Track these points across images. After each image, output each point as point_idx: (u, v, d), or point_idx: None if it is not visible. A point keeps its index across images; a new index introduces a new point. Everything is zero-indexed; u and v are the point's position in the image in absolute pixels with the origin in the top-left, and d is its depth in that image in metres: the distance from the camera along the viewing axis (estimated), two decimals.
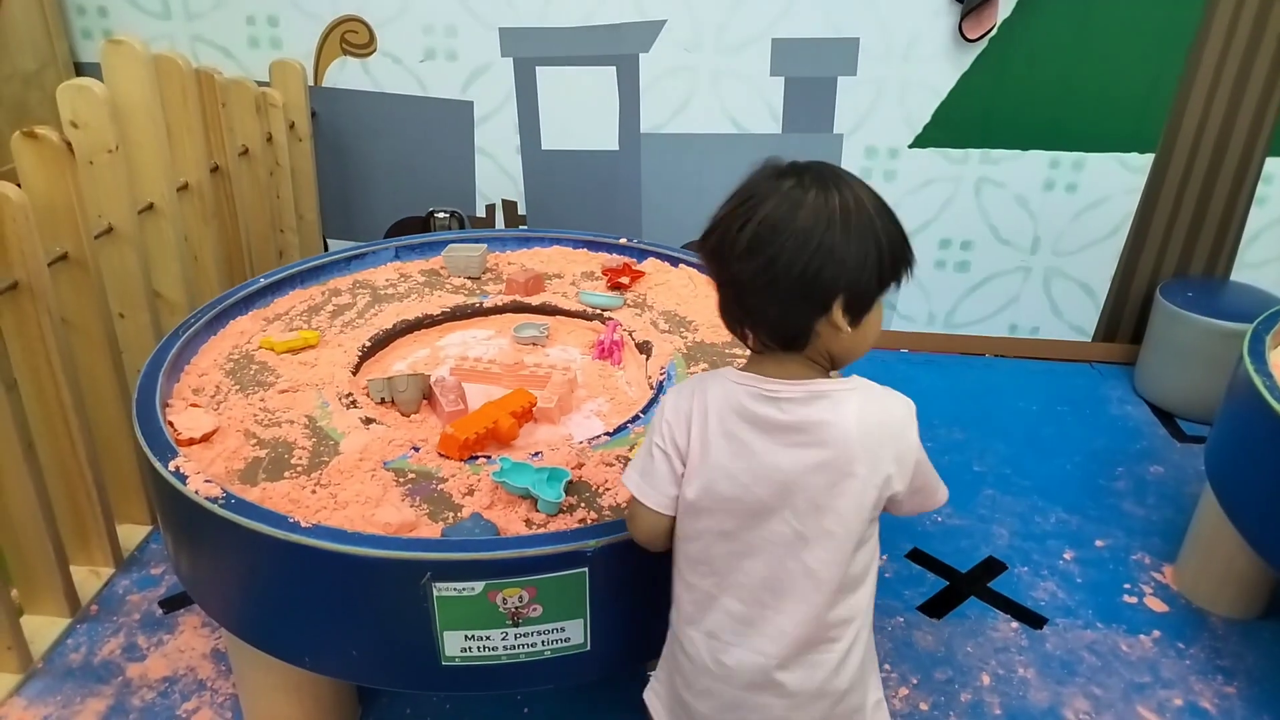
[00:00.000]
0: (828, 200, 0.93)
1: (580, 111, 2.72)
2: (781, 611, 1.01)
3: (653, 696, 1.18)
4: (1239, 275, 2.76)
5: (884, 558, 2.08)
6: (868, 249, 0.93)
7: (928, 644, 1.85)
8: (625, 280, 2.03)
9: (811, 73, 2.61)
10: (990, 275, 2.85)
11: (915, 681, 1.76)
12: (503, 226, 2.88)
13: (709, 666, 1.05)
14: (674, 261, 2.13)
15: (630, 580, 1.28)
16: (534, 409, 1.57)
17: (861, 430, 0.98)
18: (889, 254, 0.95)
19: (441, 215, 2.84)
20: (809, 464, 0.98)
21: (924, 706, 1.71)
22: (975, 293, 2.88)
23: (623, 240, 2.19)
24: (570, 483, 1.35)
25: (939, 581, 2.02)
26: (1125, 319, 2.86)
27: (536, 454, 1.44)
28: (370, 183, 2.87)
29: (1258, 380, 1.69)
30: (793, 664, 1.02)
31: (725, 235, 0.96)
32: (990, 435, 2.55)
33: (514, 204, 2.87)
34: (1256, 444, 1.68)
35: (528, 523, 1.29)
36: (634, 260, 2.14)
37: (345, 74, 2.73)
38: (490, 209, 2.89)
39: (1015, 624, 1.91)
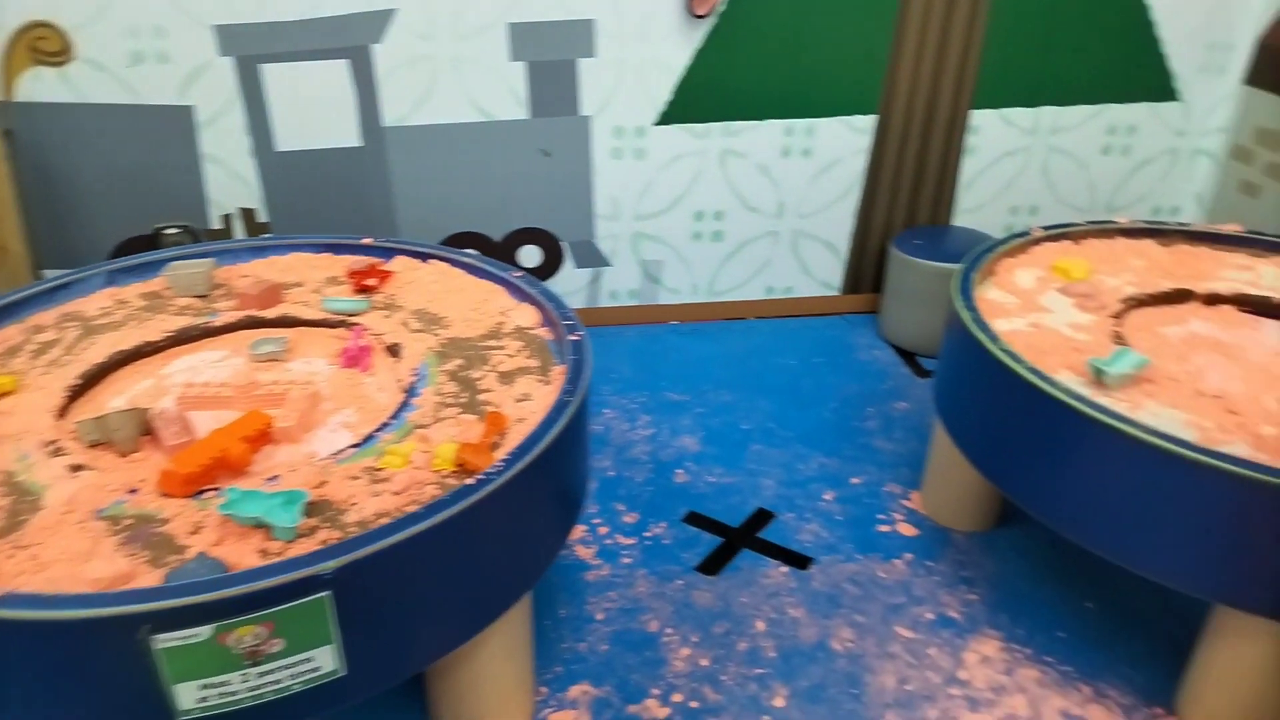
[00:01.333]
0: None
1: (315, 108, 2.60)
2: None
3: None
4: (959, 220, 3.03)
5: (663, 524, 2.16)
6: None
7: (706, 601, 1.93)
8: (372, 282, 1.97)
9: (552, 56, 2.62)
10: (743, 242, 2.98)
11: (696, 639, 1.84)
12: (243, 237, 2.71)
13: None
14: (423, 257, 2.08)
15: (384, 595, 1.25)
16: (272, 430, 1.50)
17: None
18: None
19: (171, 231, 2.65)
20: None
21: (705, 662, 1.79)
22: (731, 260, 3.00)
23: (367, 240, 2.12)
24: (310, 504, 1.30)
25: (715, 540, 2.12)
26: (866, 271, 3.08)
27: (273, 478, 1.37)
28: (86, 204, 2.62)
29: (965, 315, 1.87)
30: None
31: None
32: (755, 393, 2.68)
33: (253, 211, 2.71)
34: (969, 373, 1.85)
35: (263, 554, 1.22)
36: (381, 260, 2.08)
37: (41, 86, 2.47)
38: (227, 219, 2.71)
39: (785, 568, 2.03)
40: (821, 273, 3.07)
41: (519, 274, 1.95)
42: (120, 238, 2.67)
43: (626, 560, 2.04)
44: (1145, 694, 1.73)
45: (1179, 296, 2.09)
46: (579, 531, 2.12)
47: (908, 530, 2.15)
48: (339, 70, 2.56)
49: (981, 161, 2.94)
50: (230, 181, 2.66)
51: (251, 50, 2.51)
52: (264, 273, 2.05)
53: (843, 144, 2.85)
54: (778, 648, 1.82)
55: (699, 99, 2.73)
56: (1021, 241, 2.25)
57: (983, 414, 1.83)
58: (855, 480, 2.32)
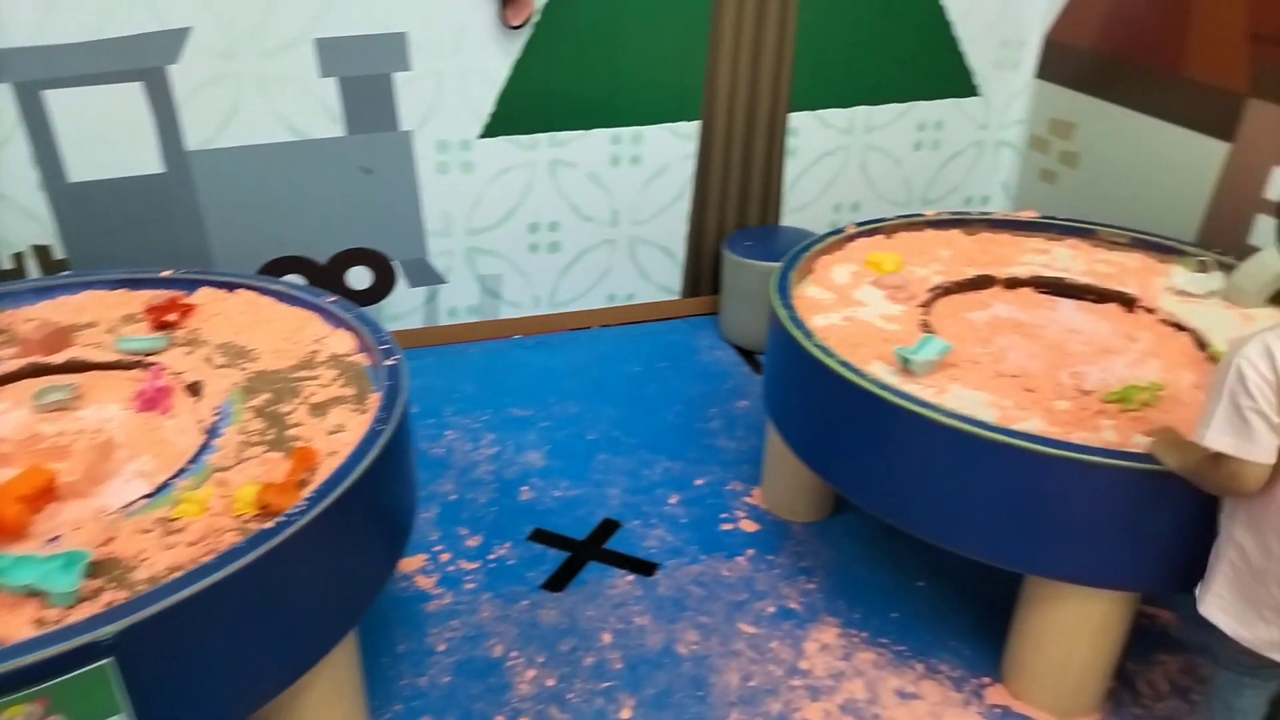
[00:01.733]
0: None
1: (109, 135, 2.43)
2: None
3: (1215, 610, 1.34)
4: (788, 220, 3.12)
5: (508, 544, 2.12)
6: None
7: (552, 619, 1.91)
8: (172, 318, 1.85)
9: (364, 70, 2.54)
10: (581, 252, 2.97)
11: (542, 660, 1.81)
12: (37, 276, 2.51)
13: None
14: (230, 287, 1.98)
15: (179, 653, 1.17)
16: (56, 485, 1.38)
17: None
18: None
19: None
20: None
21: (551, 682, 1.76)
22: (571, 270, 2.99)
23: (166, 273, 1.99)
24: (93, 563, 1.20)
25: (561, 555, 2.09)
26: (704, 274, 3.13)
27: (54, 539, 1.27)
28: None
29: (782, 313, 1.91)
30: None
31: None
32: (601, 403, 2.68)
33: (48, 249, 2.51)
34: (789, 370, 1.90)
35: (39, 623, 1.12)
36: (183, 293, 1.96)
37: None
38: (19, 258, 2.50)
39: (631, 577, 2.03)
40: (661, 278, 3.09)
41: (333, 299, 1.88)
42: None
43: (470, 586, 1.99)
44: (974, 665, 1.81)
45: (983, 282, 2.20)
46: (418, 561, 2.05)
47: (750, 526, 2.19)
48: (132, 93, 2.40)
49: (803, 162, 3.03)
50: (18, 218, 2.46)
51: (31, 75, 2.32)
52: (52, 315, 1.90)
53: (670, 150, 2.89)
54: (624, 658, 1.82)
55: (523, 110, 2.70)
56: (838, 238, 2.33)
57: (803, 408, 1.88)
58: (699, 482, 2.34)
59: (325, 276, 2.78)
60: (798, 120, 2.96)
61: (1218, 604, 1.35)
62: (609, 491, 2.30)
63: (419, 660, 1.80)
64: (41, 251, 2.52)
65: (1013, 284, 2.20)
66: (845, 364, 1.71)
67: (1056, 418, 1.64)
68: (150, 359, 1.73)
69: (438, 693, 1.73)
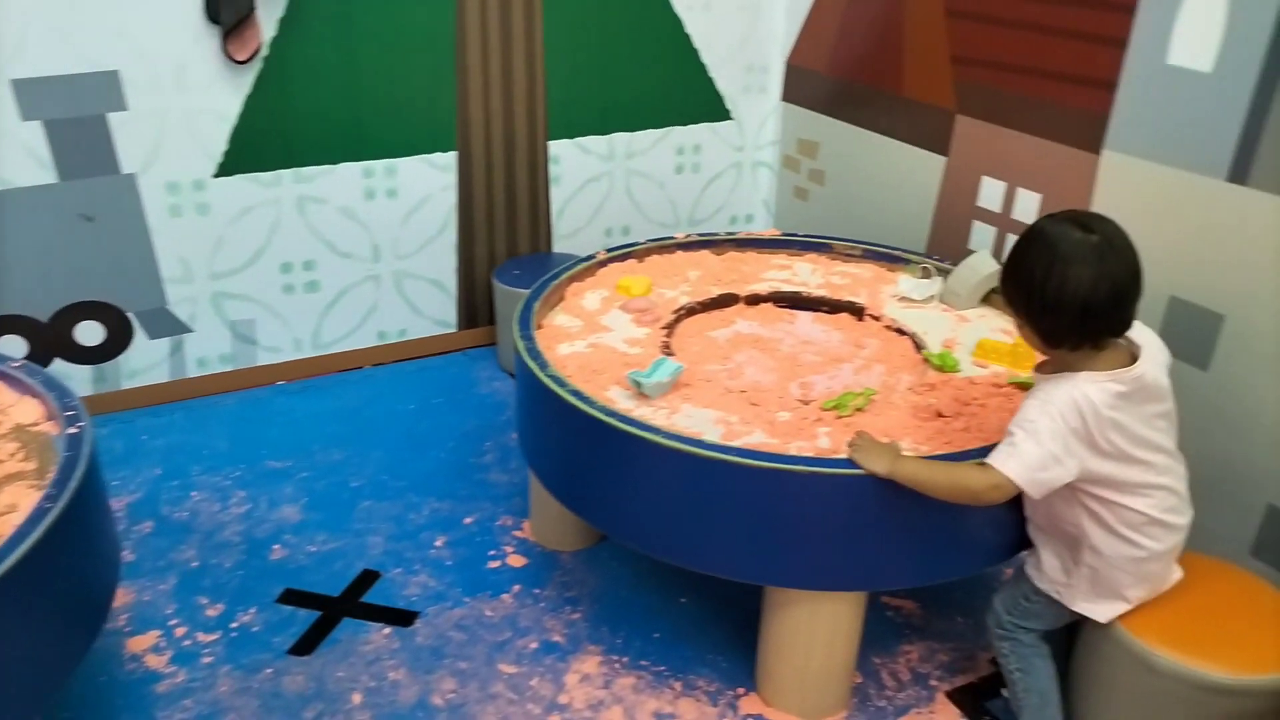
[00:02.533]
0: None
1: None
2: None
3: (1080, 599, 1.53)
4: (560, 247, 3.12)
5: (253, 609, 1.98)
6: None
7: (297, 686, 1.80)
8: None
9: (73, 112, 2.34)
10: (343, 290, 2.86)
11: None
12: None
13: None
14: None
15: None
16: None
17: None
18: None
19: None
20: None
21: None
22: (334, 309, 2.87)
23: None
24: None
25: (313, 614, 1.98)
26: (479, 304, 3.08)
27: None
28: None
29: (520, 345, 1.89)
30: None
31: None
32: (369, 446, 2.57)
33: None
34: (531, 401, 1.88)
35: None
36: None
37: None
38: None
39: (388, 629, 1.94)
40: (434, 311, 3.02)
41: (17, 364, 1.70)
42: None
43: (207, 660, 1.85)
44: (730, 678, 1.84)
45: (726, 300, 2.27)
46: (149, 639, 1.89)
47: (517, 561, 2.15)
48: None
49: (568, 189, 3.05)
50: None
51: None
52: None
53: (427, 182, 2.83)
54: (374, 717, 1.73)
55: (261, 147, 2.57)
56: (588, 265, 2.34)
57: (545, 439, 1.86)
58: (468, 520, 2.28)
59: (49, 334, 2.53)
60: (558, 148, 2.97)
61: (1077, 593, 1.54)
62: (370, 540, 2.20)
63: None
64: None
65: (753, 300, 2.28)
66: (575, 393, 1.70)
67: (777, 429, 1.69)
68: None
69: None
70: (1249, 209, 1.84)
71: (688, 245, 2.48)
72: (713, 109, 3.16)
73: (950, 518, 1.58)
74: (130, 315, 2.62)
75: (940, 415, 1.73)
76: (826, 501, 1.53)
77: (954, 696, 1.81)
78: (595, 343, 2.01)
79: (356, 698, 1.77)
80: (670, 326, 2.11)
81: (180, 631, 1.91)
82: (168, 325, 2.67)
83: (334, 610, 1.99)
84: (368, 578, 2.09)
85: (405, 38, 2.63)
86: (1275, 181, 1.79)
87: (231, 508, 2.30)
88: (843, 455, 1.57)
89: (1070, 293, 1.35)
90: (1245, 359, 1.92)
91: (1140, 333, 1.49)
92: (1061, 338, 1.40)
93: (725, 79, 3.13)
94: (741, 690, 1.81)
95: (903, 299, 2.25)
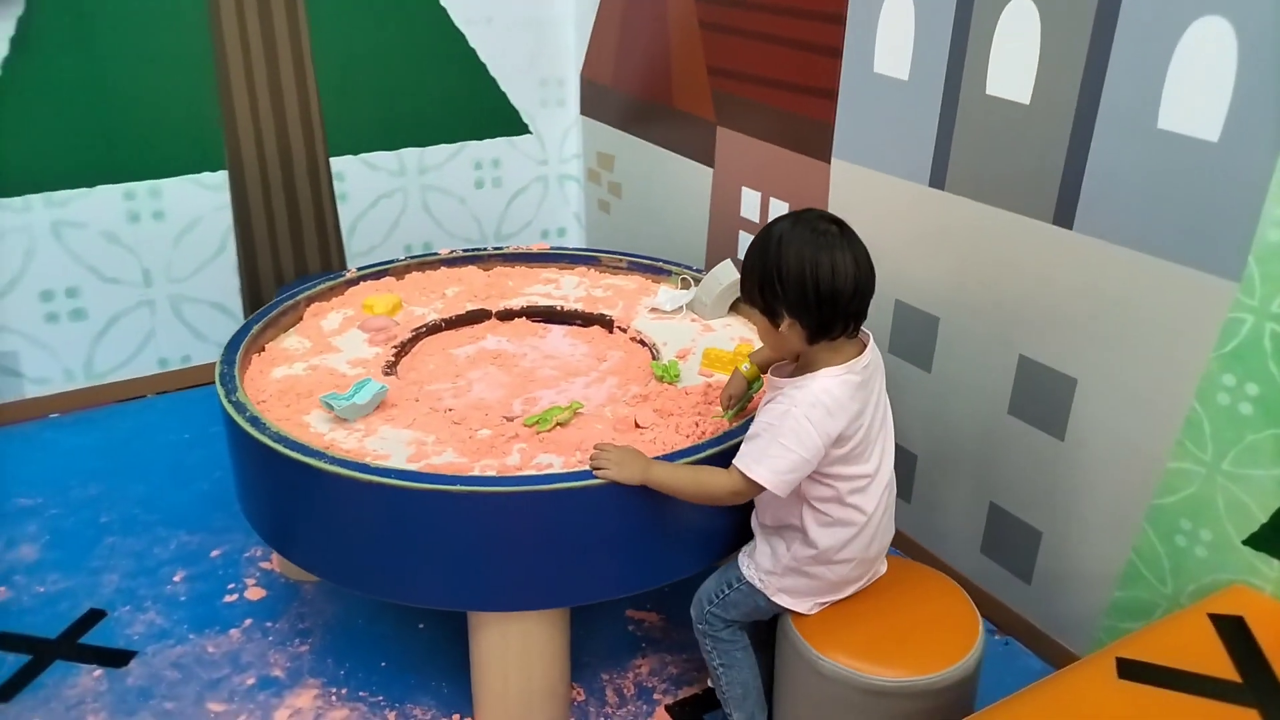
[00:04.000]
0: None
1: None
2: None
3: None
4: (356, 263, 3.06)
5: None
6: None
7: None
8: None
9: None
10: (113, 317, 2.75)
11: None
12: None
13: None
14: None
15: None
16: None
17: None
18: None
19: None
20: None
21: None
22: (105, 337, 2.77)
23: None
24: None
25: (23, 658, 1.89)
26: None
27: None
28: None
29: (219, 369, 1.81)
30: None
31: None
32: (131, 479, 2.47)
33: None
34: (227, 430, 1.75)
35: None
36: None
37: None
38: None
39: (99, 671, 1.86)
40: (218, 335, 2.93)
41: None
42: None
43: None
44: (449, 704, 1.80)
45: (478, 317, 2.25)
46: None
47: (256, 594, 2.08)
48: None
49: (358, 206, 2.99)
50: None
51: None
52: None
53: (197, 202, 2.75)
54: None
55: (4, 171, 2.46)
56: (336, 283, 2.29)
57: (238, 468, 1.79)
58: (216, 553, 2.21)
59: None
60: (341, 164, 2.92)
61: (779, 583, 1.56)
62: (106, 578, 2.11)
63: None
64: None
65: (506, 316, 2.26)
66: (253, 419, 1.65)
67: (469, 447, 1.66)
68: None
69: None
70: (950, 213, 1.89)
71: (452, 261, 2.46)
72: (509, 123, 3.14)
73: (639, 527, 1.58)
74: None
75: (637, 426, 1.73)
76: (492, 520, 1.51)
77: (673, 710, 1.81)
78: (316, 365, 1.96)
79: None
80: (407, 345, 2.08)
81: None
82: None
83: (45, 653, 1.90)
84: (93, 617, 2.00)
85: (155, 55, 2.55)
86: (968, 186, 1.84)
87: None
88: (530, 472, 1.57)
89: (842, 278, 1.37)
90: (958, 360, 1.96)
91: None
92: (832, 326, 1.40)
93: (520, 93, 3.11)
94: (457, 716, 1.78)
95: (653, 310, 2.25)
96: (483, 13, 2.96)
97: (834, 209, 2.16)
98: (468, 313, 2.23)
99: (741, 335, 2.13)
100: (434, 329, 2.16)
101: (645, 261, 2.45)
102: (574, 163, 3.29)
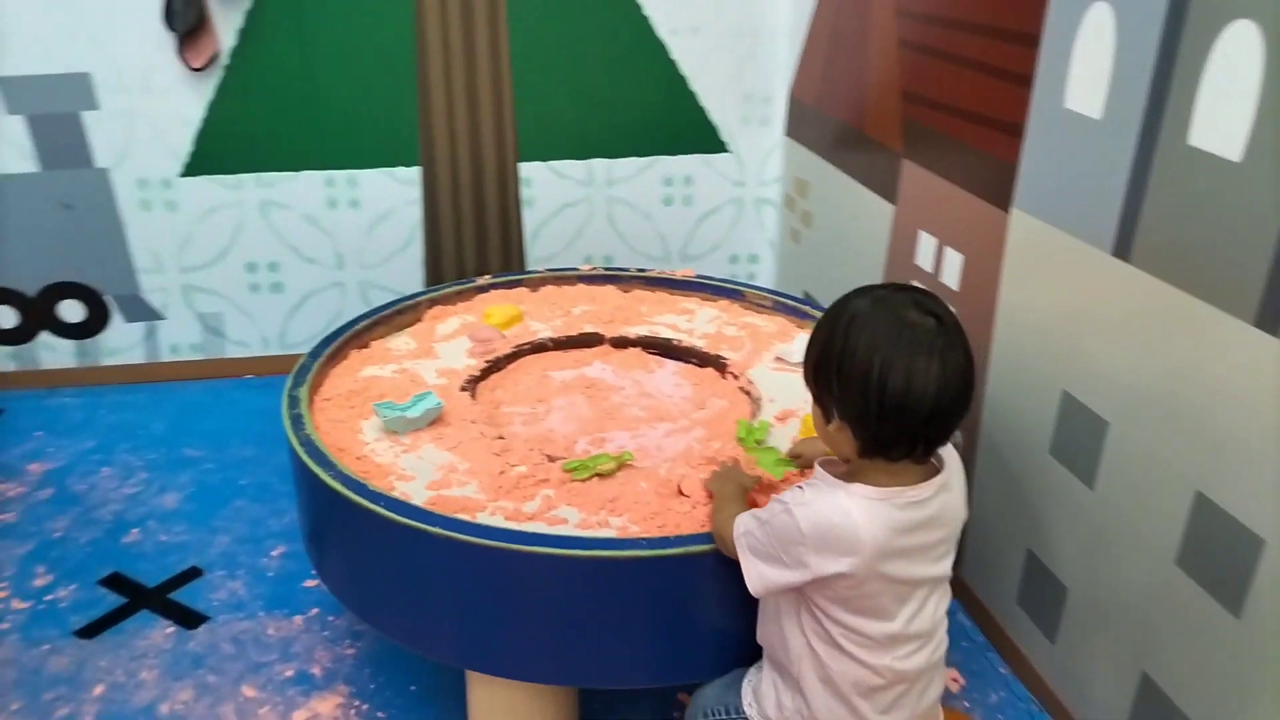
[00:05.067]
0: None
1: None
2: None
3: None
4: (533, 269, 3.05)
5: (74, 586, 2.07)
6: None
7: (59, 667, 1.84)
8: None
9: (50, 109, 2.58)
10: (308, 294, 2.95)
11: (16, 707, 1.74)
12: None
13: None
14: None
15: None
16: None
17: None
18: None
19: None
20: None
21: None
22: (299, 312, 2.97)
23: None
24: None
25: (119, 601, 2.03)
26: None
27: None
28: None
29: (301, 365, 1.82)
30: None
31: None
32: (281, 449, 2.60)
33: None
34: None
35: None
36: None
37: None
38: None
39: (172, 628, 1.95)
40: None
41: None
42: None
43: (4, 627, 1.94)
44: None
45: (591, 341, 2.11)
46: None
47: None
48: None
49: (543, 212, 2.98)
50: None
51: None
52: None
53: (391, 195, 2.86)
54: (99, 713, 1.73)
55: (223, 150, 2.71)
56: (466, 288, 2.26)
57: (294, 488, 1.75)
58: None
59: (36, 308, 2.80)
60: (529, 170, 2.91)
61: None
62: (218, 540, 2.23)
63: None
64: None
65: (621, 343, 2.11)
66: (297, 418, 1.63)
67: (494, 482, 1.53)
68: None
69: None
70: (1132, 292, 1.47)
71: (591, 278, 2.34)
72: (706, 140, 2.97)
73: (640, 611, 1.37)
74: (107, 298, 2.84)
75: (681, 494, 1.51)
76: (455, 569, 1.37)
77: None
78: (406, 369, 1.93)
79: (98, 689, 1.79)
80: (504, 361, 2.00)
81: (1, 595, 2.03)
82: (142, 311, 2.87)
83: (138, 600, 2.03)
84: (191, 574, 2.12)
85: (364, 54, 2.68)
86: (1156, 261, 1.42)
87: (125, 488, 2.42)
88: (538, 523, 1.42)
89: (919, 391, 1.07)
90: (1124, 482, 1.53)
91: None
92: (892, 446, 1.12)
93: (721, 109, 2.94)
94: None
95: (779, 359, 1.99)
96: (689, 22, 2.82)
97: (1009, 269, 1.80)
98: (580, 335, 2.10)
99: None
100: (539, 348, 2.06)
101: (790, 302, 2.19)
102: (774, 186, 3.06)
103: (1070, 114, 1.59)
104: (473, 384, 1.88)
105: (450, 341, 2.07)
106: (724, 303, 2.28)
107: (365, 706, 1.77)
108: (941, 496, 1.16)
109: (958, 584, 2.07)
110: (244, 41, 2.60)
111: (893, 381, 1.07)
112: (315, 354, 1.88)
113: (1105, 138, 1.50)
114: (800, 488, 1.20)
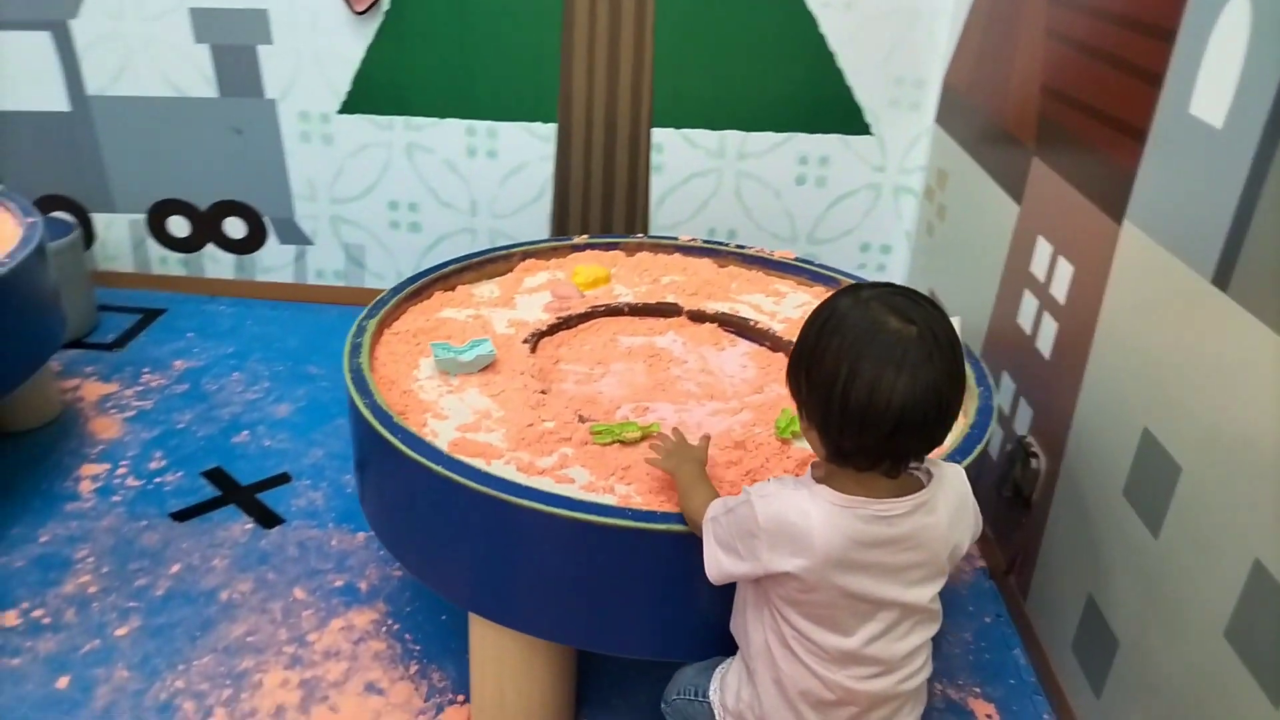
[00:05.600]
0: None
1: (27, 74, 2.87)
2: None
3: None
4: (656, 234, 3.04)
5: (180, 473, 2.29)
6: None
7: (149, 542, 2.05)
8: None
9: (231, 40, 2.81)
10: (441, 236, 3.08)
11: (106, 570, 1.96)
12: None
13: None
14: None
15: None
16: None
17: None
18: None
19: None
20: None
21: (92, 589, 1.90)
22: (432, 253, 3.11)
23: None
24: None
25: (213, 493, 2.23)
26: None
27: None
28: None
29: (354, 393, 1.61)
30: None
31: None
32: None
33: None
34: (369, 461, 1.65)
35: None
36: None
37: None
38: None
39: (250, 525, 2.13)
40: None
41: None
42: None
43: (116, 500, 2.18)
44: (463, 685, 1.74)
45: (668, 311, 2.09)
46: (99, 469, 2.27)
47: None
48: (43, 40, 2.82)
49: (670, 179, 2.96)
50: None
51: None
52: None
53: (527, 149, 2.93)
54: (171, 589, 1.92)
55: (378, 91, 2.86)
56: (561, 244, 2.29)
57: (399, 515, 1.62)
58: None
59: (205, 221, 3.09)
60: (661, 136, 2.90)
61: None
62: (312, 451, 2.40)
63: (15, 545, 2.01)
64: None
65: (698, 317, 2.07)
66: (356, 346, 1.72)
67: (520, 434, 1.56)
68: None
69: (5, 572, 1.93)
70: (1225, 326, 1.29)
71: (689, 249, 2.32)
72: (848, 120, 2.85)
73: (616, 577, 1.36)
74: (266, 219, 3.09)
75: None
76: (457, 513, 1.41)
77: None
78: (480, 315, 1.99)
79: (175, 568, 1.98)
80: (578, 320, 2.01)
81: (121, 472, 2.27)
82: (294, 235, 3.11)
83: (229, 495, 2.22)
84: (280, 479, 2.29)
85: (515, 8, 2.74)
86: (1254, 296, 1.24)
87: (248, 393, 2.65)
88: (545, 479, 1.44)
89: (881, 402, 1.00)
90: (1188, 537, 1.36)
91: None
92: (853, 456, 1.06)
93: (868, 90, 2.80)
94: (461, 698, 1.71)
95: None
96: None
97: (1113, 287, 1.63)
98: (658, 304, 2.09)
99: None
100: (614, 311, 2.07)
101: None
102: (916, 175, 2.89)
103: (1193, 120, 1.40)
104: (537, 338, 1.91)
105: (532, 295, 2.11)
106: (818, 289, 2.19)
107: (396, 626, 1.87)
108: (917, 516, 1.08)
109: (1020, 618, 1.92)
110: None
111: (857, 390, 1.00)
112: (397, 290, 1.97)
113: (1223, 149, 1.32)
114: (769, 481, 1.15)
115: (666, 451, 1.41)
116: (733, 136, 2.89)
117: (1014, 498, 1.95)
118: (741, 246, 2.31)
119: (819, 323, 1.07)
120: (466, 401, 1.67)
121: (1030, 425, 1.94)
